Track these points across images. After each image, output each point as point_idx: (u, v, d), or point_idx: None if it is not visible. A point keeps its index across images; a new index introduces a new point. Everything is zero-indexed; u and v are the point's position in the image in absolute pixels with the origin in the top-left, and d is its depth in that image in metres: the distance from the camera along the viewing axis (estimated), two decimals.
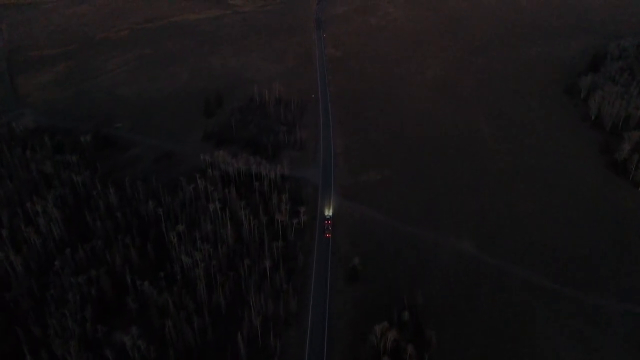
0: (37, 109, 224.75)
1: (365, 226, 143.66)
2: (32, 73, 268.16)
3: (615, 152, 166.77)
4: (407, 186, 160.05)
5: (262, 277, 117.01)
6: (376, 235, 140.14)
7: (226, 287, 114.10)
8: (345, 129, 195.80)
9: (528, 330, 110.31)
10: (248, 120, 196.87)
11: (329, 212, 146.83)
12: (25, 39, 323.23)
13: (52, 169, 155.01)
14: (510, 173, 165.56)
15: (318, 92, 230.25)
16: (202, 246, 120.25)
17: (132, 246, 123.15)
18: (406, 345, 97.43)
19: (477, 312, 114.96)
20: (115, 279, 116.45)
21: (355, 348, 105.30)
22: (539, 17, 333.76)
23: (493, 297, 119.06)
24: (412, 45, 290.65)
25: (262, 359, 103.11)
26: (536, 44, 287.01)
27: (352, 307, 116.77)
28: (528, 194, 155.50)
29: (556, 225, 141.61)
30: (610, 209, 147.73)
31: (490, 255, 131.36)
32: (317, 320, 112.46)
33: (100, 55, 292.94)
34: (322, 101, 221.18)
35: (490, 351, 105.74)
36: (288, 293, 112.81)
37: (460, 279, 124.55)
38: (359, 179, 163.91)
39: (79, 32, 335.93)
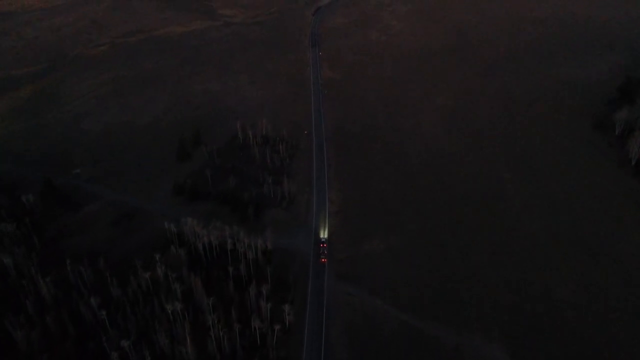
0: None
1: (367, 321, 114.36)
2: None
3: None
4: (418, 260, 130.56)
5: None
6: (382, 334, 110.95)
7: None
8: (342, 177, 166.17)
9: None
10: (228, 167, 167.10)
11: (324, 235, 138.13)
12: None
13: None
14: (544, 241, 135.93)
15: (312, 126, 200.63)
16: None
17: None
18: None
19: None
20: None
21: None
22: (556, 31, 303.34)
23: None
24: (418, 64, 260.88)
25: None
26: (556, 63, 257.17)
27: None
28: (569, 271, 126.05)
29: (610, 319, 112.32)
30: None
31: None
32: None
33: (71, 76, 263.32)
34: (316, 138, 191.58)
35: None
36: None
37: None
38: (360, 250, 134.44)
39: (52, 48, 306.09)
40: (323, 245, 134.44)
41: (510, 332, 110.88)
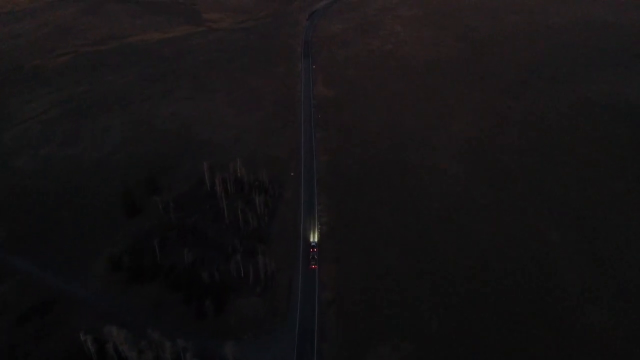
0: None
1: None
2: None
3: None
4: None
5: None
6: None
7: None
8: (339, 243, 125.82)
9: None
10: (186, 228, 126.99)
11: (314, 238, 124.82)
12: None
13: None
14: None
15: (301, 162, 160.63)
16: None
17: None
18: None
19: None
20: None
21: None
22: (579, 40, 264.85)
23: None
24: (428, 79, 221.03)
25: None
26: (590, 77, 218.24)
27: None
28: None
29: None
30: None
31: None
32: None
33: (21, 94, 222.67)
34: (305, 181, 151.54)
35: None
36: None
37: None
38: None
39: (6, 59, 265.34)
40: (314, 250, 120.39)
41: None
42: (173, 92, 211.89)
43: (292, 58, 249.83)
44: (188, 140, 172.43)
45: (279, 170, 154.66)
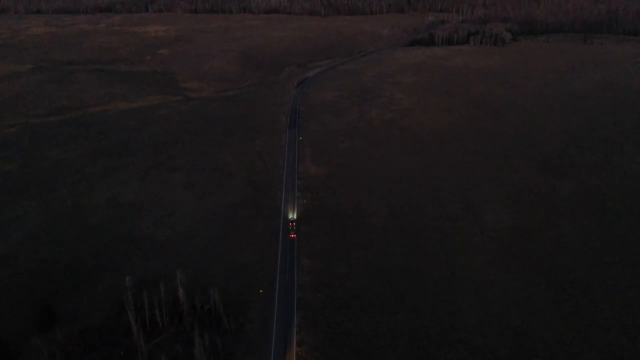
0: None
1: None
2: None
3: None
4: None
5: None
6: None
7: None
8: None
9: None
10: None
11: (292, 215, 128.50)
12: None
13: None
14: None
15: (276, 273, 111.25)
16: None
17: None
18: None
19: None
20: None
21: None
22: (608, 105, 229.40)
23: None
24: (443, 154, 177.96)
25: None
26: (636, 150, 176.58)
27: None
28: None
29: None
30: None
31: None
32: None
33: None
34: (279, 303, 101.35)
35: None
36: None
37: None
38: None
39: None
40: (292, 224, 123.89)
41: None
42: (119, 170, 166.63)
43: (275, 129, 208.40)
44: (120, 239, 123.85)
45: (242, 284, 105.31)
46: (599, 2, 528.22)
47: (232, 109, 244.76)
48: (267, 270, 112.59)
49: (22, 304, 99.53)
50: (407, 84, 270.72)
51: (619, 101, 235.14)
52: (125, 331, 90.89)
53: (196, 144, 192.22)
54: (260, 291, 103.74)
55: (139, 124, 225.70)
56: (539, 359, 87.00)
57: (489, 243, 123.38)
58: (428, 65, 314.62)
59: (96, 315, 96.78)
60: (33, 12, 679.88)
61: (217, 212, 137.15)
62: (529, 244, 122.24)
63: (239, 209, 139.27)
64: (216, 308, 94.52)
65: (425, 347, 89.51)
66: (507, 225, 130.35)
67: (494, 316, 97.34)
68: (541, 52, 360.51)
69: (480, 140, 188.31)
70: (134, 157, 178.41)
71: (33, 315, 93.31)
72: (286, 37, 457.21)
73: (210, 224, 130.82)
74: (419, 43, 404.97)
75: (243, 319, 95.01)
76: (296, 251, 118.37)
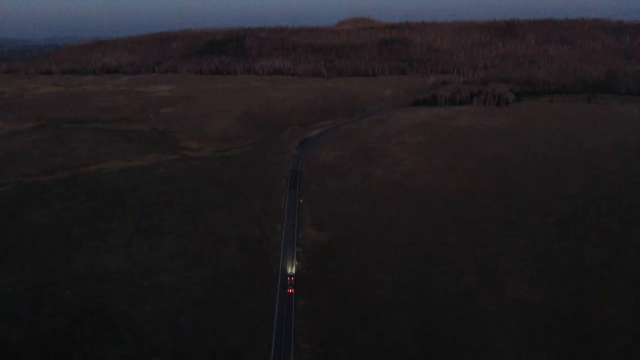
0: None
1: None
2: None
3: None
4: None
5: None
6: None
7: None
8: None
9: None
10: None
11: (292, 270, 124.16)
12: None
13: None
14: None
15: (269, 359, 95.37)
16: None
17: None
18: None
19: None
20: None
21: None
22: (626, 165, 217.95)
23: None
24: (453, 218, 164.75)
25: None
26: None
27: None
28: None
29: None
30: None
31: None
32: None
33: None
34: None
35: None
36: None
37: None
38: None
39: None
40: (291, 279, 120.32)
41: None
42: (104, 235, 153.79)
43: (275, 191, 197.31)
44: (91, 318, 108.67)
45: None
46: (598, 64, 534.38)
47: (230, 169, 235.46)
48: (259, 356, 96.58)
49: None
50: (412, 144, 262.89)
51: (633, 162, 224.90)
52: None
53: (190, 206, 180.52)
54: None
55: (132, 184, 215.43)
56: None
57: (515, 323, 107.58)
58: (432, 125, 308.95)
59: None
60: (43, 73, 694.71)
61: (203, 285, 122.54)
62: (558, 323, 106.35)
63: (229, 281, 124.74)
64: None
65: None
66: (534, 303, 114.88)
67: None
68: (546, 112, 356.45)
69: (493, 203, 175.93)
70: (121, 221, 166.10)
71: None
72: (289, 97, 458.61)
73: (194, 300, 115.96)
74: (422, 103, 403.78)
75: None
76: (293, 334, 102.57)
